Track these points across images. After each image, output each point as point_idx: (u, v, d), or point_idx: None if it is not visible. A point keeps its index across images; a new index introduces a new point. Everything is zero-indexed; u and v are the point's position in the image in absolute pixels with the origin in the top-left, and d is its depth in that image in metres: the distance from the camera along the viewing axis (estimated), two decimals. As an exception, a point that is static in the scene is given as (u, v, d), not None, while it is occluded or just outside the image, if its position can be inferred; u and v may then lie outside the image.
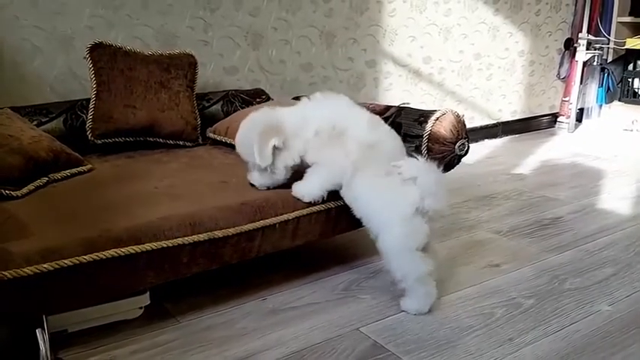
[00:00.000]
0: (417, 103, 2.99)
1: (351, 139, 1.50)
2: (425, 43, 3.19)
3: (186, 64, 2.13)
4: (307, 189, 1.53)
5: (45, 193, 1.54)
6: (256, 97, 2.38)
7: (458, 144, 1.78)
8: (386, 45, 3.03)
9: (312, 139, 1.52)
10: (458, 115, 1.81)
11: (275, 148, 1.50)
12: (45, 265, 1.16)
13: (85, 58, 1.97)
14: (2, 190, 1.48)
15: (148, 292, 1.48)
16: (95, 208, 1.41)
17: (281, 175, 1.55)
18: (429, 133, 1.80)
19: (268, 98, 2.39)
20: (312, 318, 1.49)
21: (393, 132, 1.63)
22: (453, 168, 1.85)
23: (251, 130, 1.53)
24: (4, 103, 1.93)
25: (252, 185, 1.58)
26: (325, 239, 1.64)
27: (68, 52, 2.15)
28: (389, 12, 2.99)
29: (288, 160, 1.53)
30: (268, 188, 1.56)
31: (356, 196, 1.51)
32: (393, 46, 3.06)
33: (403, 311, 1.52)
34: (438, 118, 1.80)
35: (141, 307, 1.49)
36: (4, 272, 1.11)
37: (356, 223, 1.59)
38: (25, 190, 1.53)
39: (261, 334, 1.42)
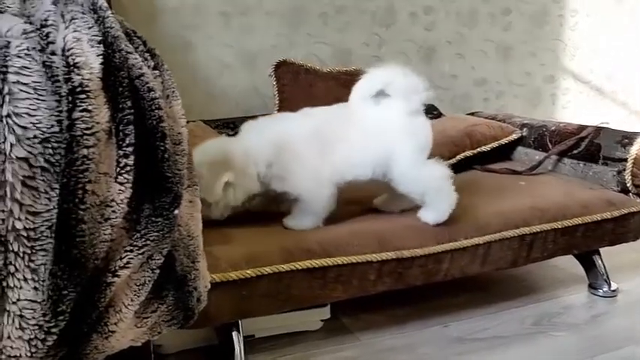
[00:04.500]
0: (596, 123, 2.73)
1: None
2: (609, 58, 2.91)
3: (362, 80, 2.15)
4: None
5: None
6: (427, 114, 2.31)
7: (670, 170, 1.57)
8: (566, 60, 2.81)
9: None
10: (670, 138, 1.60)
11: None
12: (248, 271, 1.20)
13: (270, 75, 2.07)
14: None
15: (329, 306, 1.49)
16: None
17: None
18: (635, 157, 1.60)
19: (440, 114, 2.32)
20: (501, 352, 1.38)
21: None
22: (661, 197, 1.63)
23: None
24: (195, 116, 2.08)
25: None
26: (516, 267, 1.52)
27: (252, 69, 2.28)
28: (571, 26, 2.78)
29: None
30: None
31: None
32: (574, 61, 2.83)
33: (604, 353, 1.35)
34: (646, 141, 1.61)
35: (322, 320, 1.50)
36: (213, 275, 1.16)
37: (551, 252, 1.46)
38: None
39: (446, 362, 1.35)
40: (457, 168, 1.86)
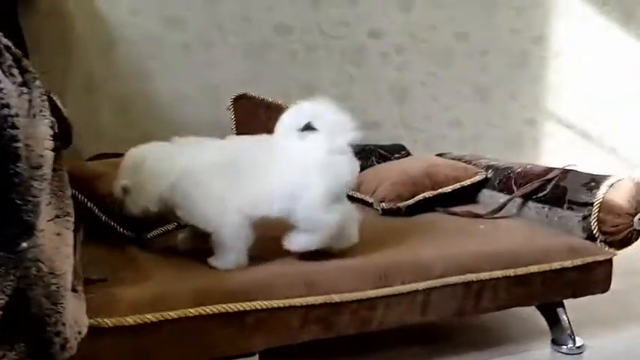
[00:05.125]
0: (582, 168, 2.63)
1: None
2: (593, 101, 2.82)
3: (326, 117, 2.07)
4: None
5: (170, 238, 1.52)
6: (395, 153, 2.23)
7: (638, 216, 1.45)
8: (548, 102, 2.73)
9: None
10: (638, 183, 1.49)
11: None
12: (148, 316, 1.09)
13: (228, 108, 2.00)
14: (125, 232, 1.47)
15: (257, 355, 1.35)
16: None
17: None
18: (601, 202, 1.49)
19: (408, 154, 2.23)
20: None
21: None
22: (629, 245, 1.50)
23: None
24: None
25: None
26: (464, 317, 1.39)
27: (214, 101, 2.21)
28: (553, 67, 2.71)
29: None
30: None
31: None
32: (557, 103, 2.74)
33: None
34: (612, 185, 1.49)
35: (250, 371, 1.36)
36: (106, 319, 1.05)
37: (506, 302, 1.33)
38: (153, 233, 1.52)
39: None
40: (417, 209, 1.76)
